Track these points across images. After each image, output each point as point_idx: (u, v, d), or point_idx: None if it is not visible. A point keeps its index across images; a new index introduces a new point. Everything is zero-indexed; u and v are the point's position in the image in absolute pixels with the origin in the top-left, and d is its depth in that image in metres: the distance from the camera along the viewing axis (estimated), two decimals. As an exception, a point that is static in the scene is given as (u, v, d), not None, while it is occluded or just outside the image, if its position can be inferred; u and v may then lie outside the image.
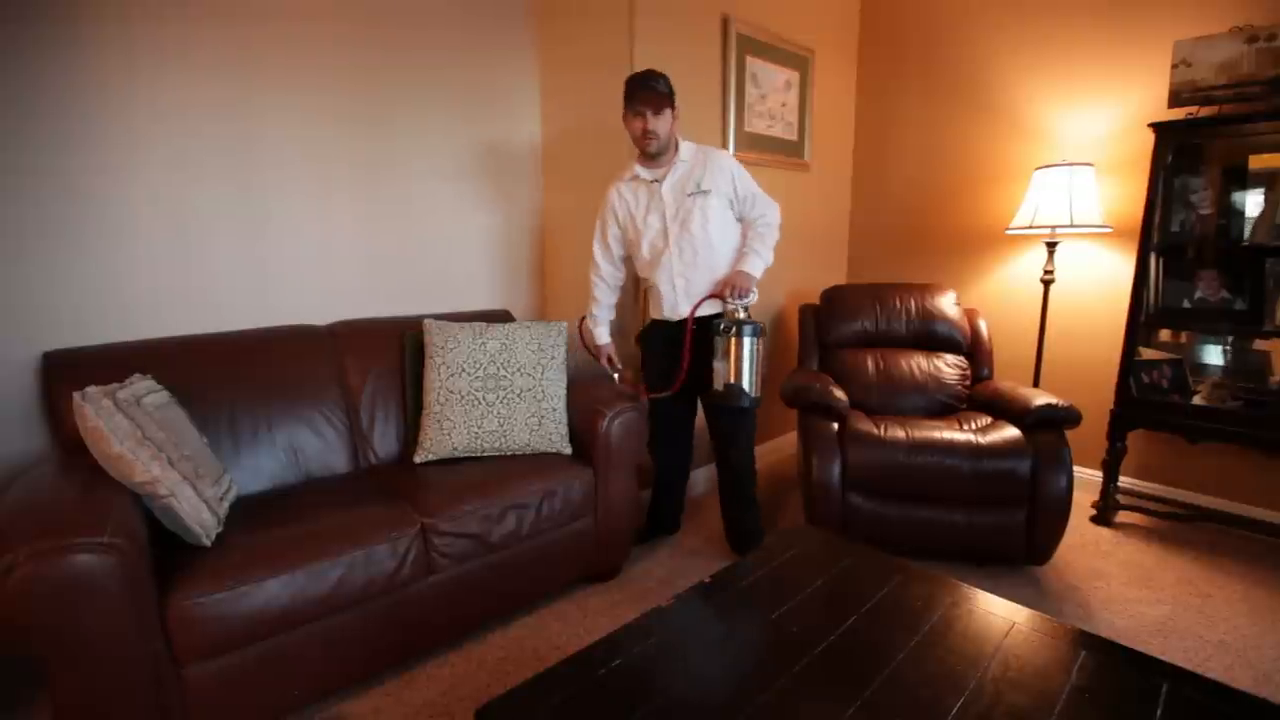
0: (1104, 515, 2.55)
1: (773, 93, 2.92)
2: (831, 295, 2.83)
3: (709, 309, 2.11)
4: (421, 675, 1.69)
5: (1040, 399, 2.18)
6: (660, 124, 2.00)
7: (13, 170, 1.67)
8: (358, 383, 2.10)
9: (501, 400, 2.01)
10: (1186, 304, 2.43)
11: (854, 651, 1.13)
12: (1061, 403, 2.14)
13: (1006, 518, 2.09)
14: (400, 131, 2.37)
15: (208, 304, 2.00)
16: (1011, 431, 2.15)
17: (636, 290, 2.49)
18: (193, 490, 1.41)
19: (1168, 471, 2.67)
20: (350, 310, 2.27)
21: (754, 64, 2.79)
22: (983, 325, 2.71)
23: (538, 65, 2.74)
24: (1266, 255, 2.24)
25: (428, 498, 1.74)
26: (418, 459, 1.99)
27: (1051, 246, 2.65)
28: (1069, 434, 2.11)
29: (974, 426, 2.22)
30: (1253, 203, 2.28)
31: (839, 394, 2.30)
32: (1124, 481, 2.66)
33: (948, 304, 2.72)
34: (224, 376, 1.86)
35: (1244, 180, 2.30)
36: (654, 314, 2.25)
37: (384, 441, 2.11)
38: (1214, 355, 2.47)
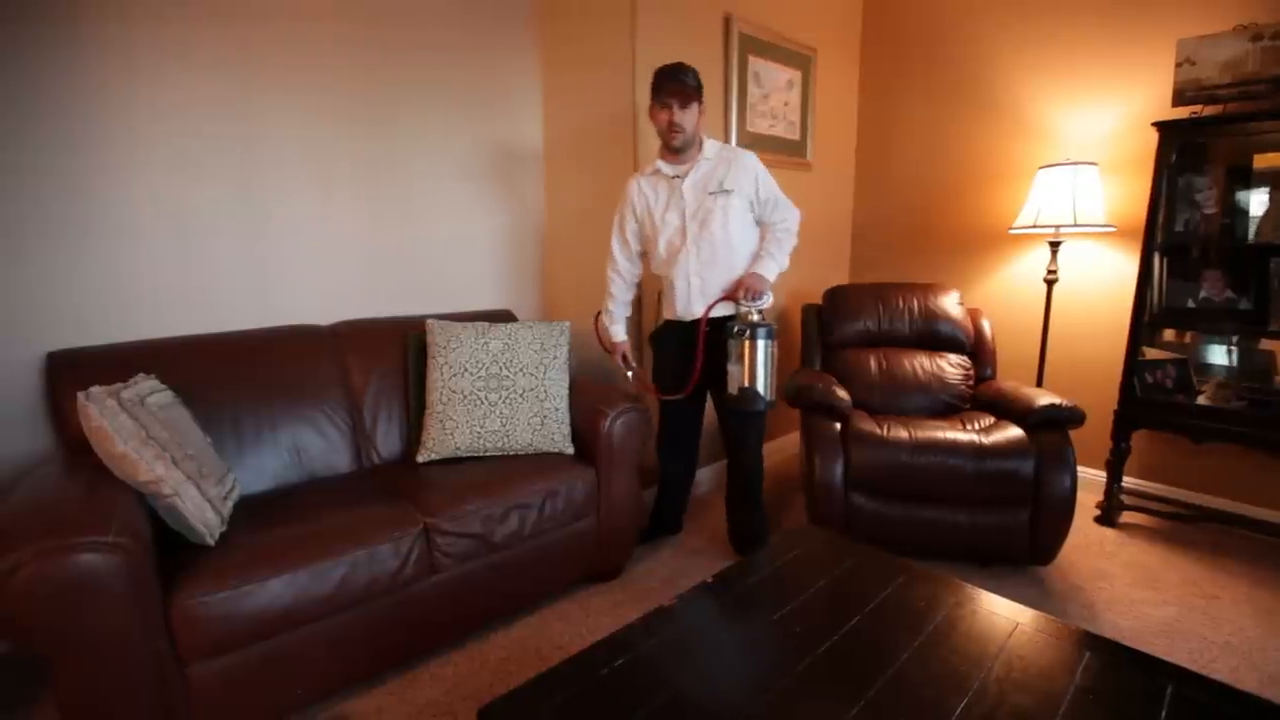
0: (1108, 515, 2.54)
1: (775, 92, 2.92)
2: (834, 295, 2.83)
3: (722, 310, 2.09)
4: (424, 674, 1.69)
5: (1044, 399, 2.18)
6: (686, 118, 1.97)
7: (14, 170, 1.68)
8: (360, 383, 2.11)
9: (504, 400, 2.01)
10: (1191, 303, 2.42)
11: (857, 652, 1.12)
12: (1065, 402, 2.14)
13: (1010, 518, 2.09)
14: (402, 131, 2.37)
15: (210, 304, 2.01)
16: (1015, 431, 2.14)
17: (650, 291, 2.48)
18: (196, 490, 1.42)
19: (1172, 472, 2.66)
20: (352, 310, 2.28)
21: (756, 63, 2.79)
22: (986, 325, 2.70)
23: (539, 65, 2.74)
24: (1271, 254, 2.23)
25: (430, 497, 1.75)
26: (420, 459, 1.99)
27: (1055, 246, 2.64)
28: (1073, 434, 2.10)
29: (977, 426, 2.22)
30: (1257, 202, 2.27)
31: (842, 394, 2.29)
32: (1128, 482, 2.66)
33: (951, 304, 2.71)
34: (227, 376, 1.87)
35: (1248, 179, 2.29)
36: (667, 314, 2.23)
37: (387, 441, 2.11)
38: (1218, 355, 2.46)
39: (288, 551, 1.46)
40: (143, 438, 1.35)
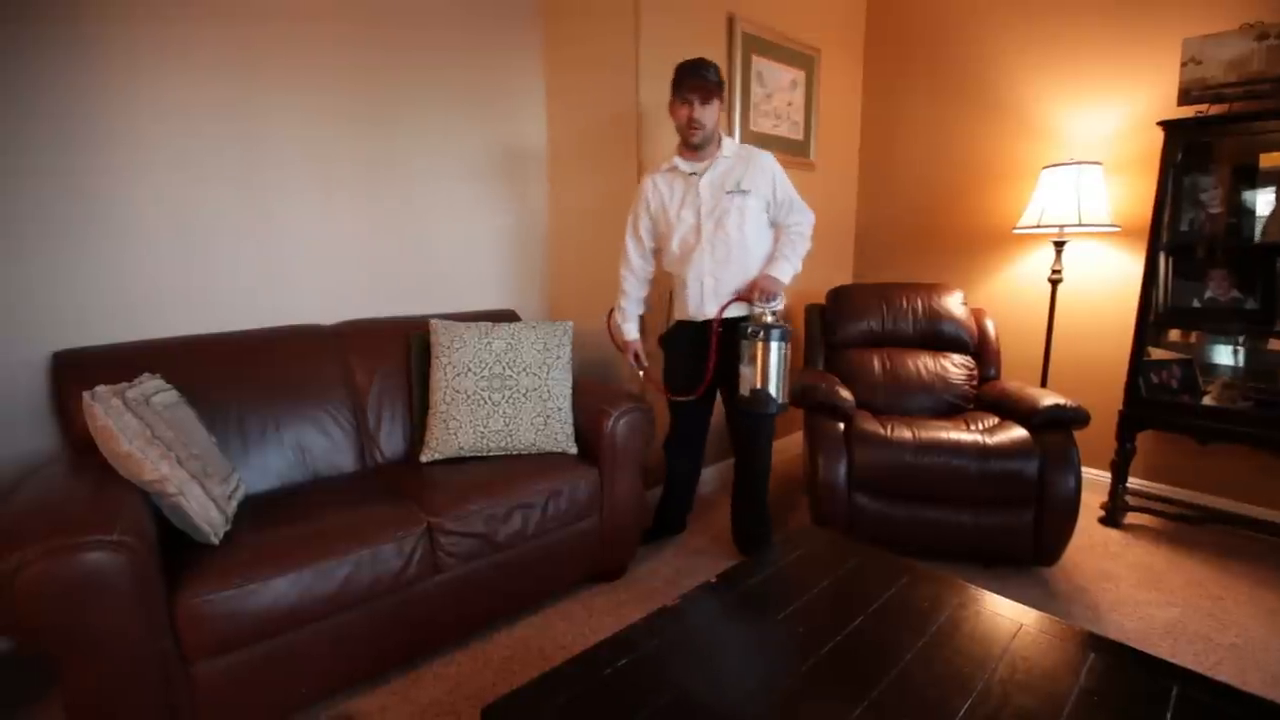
0: (1113, 516, 2.53)
1: (778, 92, 2.92)
2: (838, 295, 2.83)
3: (735, 312, 2.06)
4: (428, 674, 1.70)
5: (1048, 399, 2.17)
6: (707, 114, 1.95)
7: (18, 171, 1.68)
8: (364, 382, 2.11)
9: (507, 400, 2.01)
10: (1196, 303, 2.41)
11: (861, 652, 1.12)
12: (1069, 403, 2.13)
13: (1014, 519, 2.08)
14: (404, 131, 2.37)
15: (213, 304, 2.01)
16: (1019, 432, 2.14)
17: (659, 292, 2.45)
18: (201, 489, 1.42)
19: (1177, 472, 2.65)
20: (355, 310, 2.28)
21: (759, 63, 2.79)
22: (990, 325, 2.69)
23: (542, 65, 2.74)
24: (1278, 254, 2.22)
25: (434, 497, 1.75)
26: (424, 458, 2.00)
27: (1059, 246, 2.64)
28: (1077, 434, 2.10)
29: (981, 427, 2.21)
30: (1263, 201, 2.26)
31: (845, 394, 2.29)
32: (1133, 482, 2.65)
33: (954, 304, 2.70)
34: (231, 376, 1.87)
35: (1254, 179, 2.28)
36: (678, 314, 2.21)
37: (390, 441, 2.12)
38: (1224, 355, 2.45)
39: (292, 551, 1.46)
40: (148, 437, 1.36)
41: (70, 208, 1.76)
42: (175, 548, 1.40)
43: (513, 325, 2.13)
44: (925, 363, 2.60)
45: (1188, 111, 2.30)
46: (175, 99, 1.89)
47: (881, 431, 2.18)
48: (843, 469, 2.15)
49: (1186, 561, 2.26)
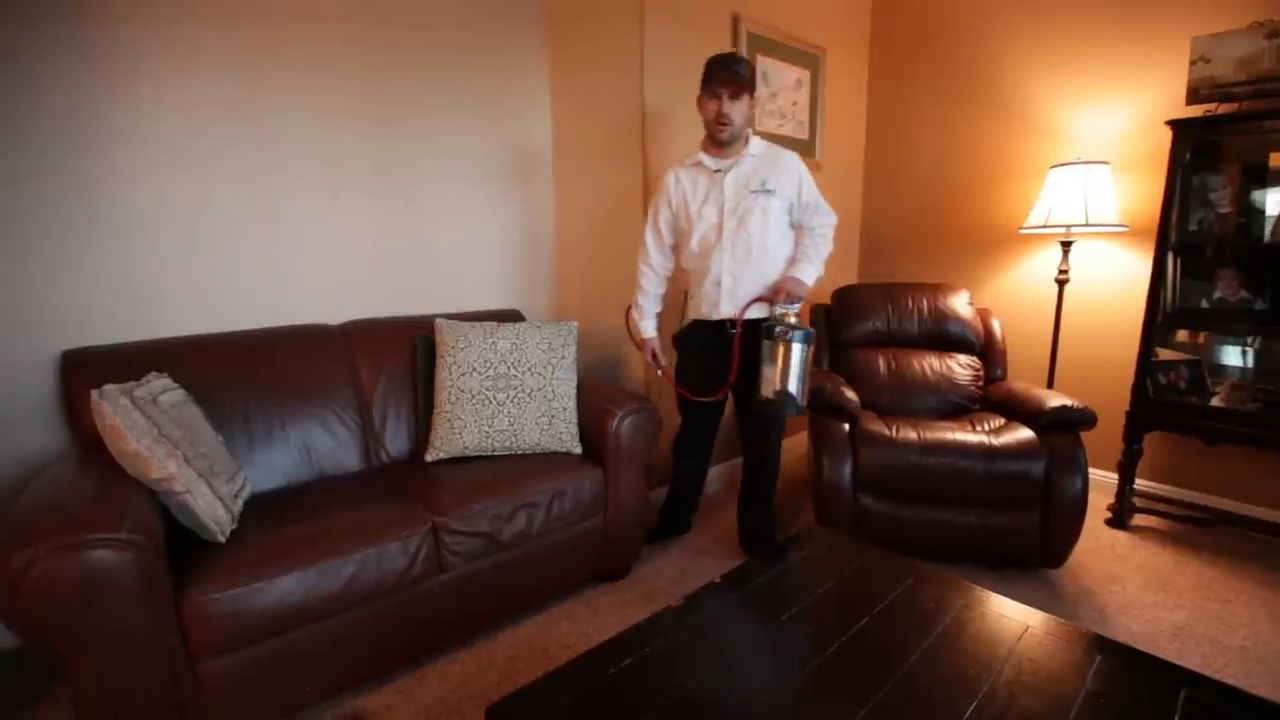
0: (1120, 518, 2.52)
1: (783, 91, 2.91)
2: (843, 295, 2.82)
3: (754, 313, 2.04)
4: (433, 672, 1.70)
5: (1055, 400, 2.16)
6: (736, 110, 1.92)
7: (24, 172, 1.69)
8: (370, 382, 2.12)
9: (512, 399, 2.01)
10: (1205, 304, 2.39)
11: (866, 653, 1.12)
12: (1076, 404, 2.12)
13: (1020, 520, 2.07)
14: (411, 131, 2.38)
15: (219, 304, 2.02)
16: (1025, 433, 2.13)
17: (675, 290, 2.39)
18: (208, 487, 1.43)
19: (1185, 474, 2.63)
20: (361, 310, 2.29)
21: (764, 62, 2.78)
22: (996, 325, 2.68)
23: (548, 65, 2.74)
24: (1287, 254, 2.20)
25: (439, 496, 1.75)
26: (429, 458, 2.00)
27: (1066, 246, 2.62)
28: (1084, 435, 2.09)
29: (987, 428, 2.20)
30: (1273, 201, 2.24)
31: (850, 394, 2.29)
32: (1140, 484, 2.63)
33: (960, 304, 2.69)
34: (238, 375, 1.88)
35: (1264, 178, 2.26)
36: (693, 313, 2.18)
37: (395, 440, 2.12)
38: (1233, 356, 2.43)
39: (298, 549, 1.47)
40: (155, 435, 1.37)
41: (74, 208, 1.77)
42: (182, 546, 1.41)
43: (517, 325, 2.13)
44: (931, 363, 2.59)
45: (1196, 110, 2.28)
46: (179, 99, 1.89)
47: (887, 432, 2.17)
48: (848, 470, 2.14)
49: (1194, 563, 2.25)
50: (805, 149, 3.09)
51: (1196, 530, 2.48)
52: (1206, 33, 2.23)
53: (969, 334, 2.64)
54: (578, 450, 2.07)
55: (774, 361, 1.90)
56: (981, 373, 2.59)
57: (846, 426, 2.23)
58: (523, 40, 2.65)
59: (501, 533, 1.77)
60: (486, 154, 2.61)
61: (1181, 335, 2.51)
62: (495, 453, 2.02)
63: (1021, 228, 2.74)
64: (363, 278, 2.33)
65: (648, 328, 2.23)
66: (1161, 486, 2.68)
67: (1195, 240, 2.39)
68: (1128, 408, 2.46)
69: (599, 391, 2.16)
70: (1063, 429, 2.10)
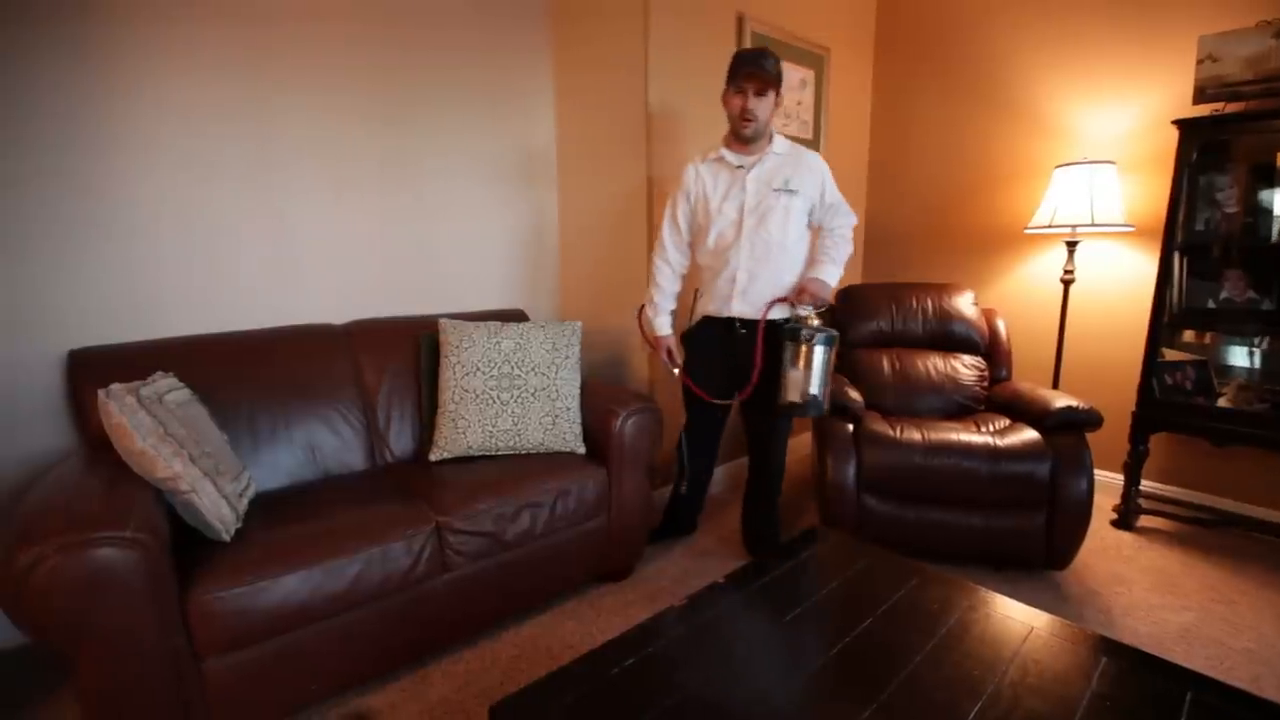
0: (1125, 519, 2.51)
1: (788, 91, 2.90)
2: (847, 295, 2.81)
3: (775, 314, 2.01)
4: (437, 672, 1.71)
5: (1060, 401, 2.15)
6: (761, 106, 1.89)
7: (29, 173, 1.69)
8: (374, 382, 2.12)
9: (516, 399, 2.01)
10: (1211, 304, 2.38)
11: (869, 654, 1.12)
12: (1082, 405, 2.11)
13: (1025, 521, 2.06)
14: (414, 131, 2.38)
15: (223, 303, 2.03)
16: (1030, 434, 2.12)
17: (687, 287, 2.35)
18: (213, 486, 1.43)
19: (1191, 475, 2.62)
20: (365, 310, 2.29)
21: (769, 63, 2.77)
22: (1001, 325, 2.67)
23: (553, 66, 2.75)
24: (1295, 254, 2.19)
25: (443, 496, 1.76)
26: (433, 457, 2.00)
27: (1072, 246, 2.61)
28: (1090, 436, 2.08)
29: (992, 428, 2.20)
30: (1281, 201, 2.24)
31: (854, 395, 2.28)
32: (1146, 485, 2.62)
33: (965, 304, 2.69)
34: (243, 375, 1.89)
35: (1271, 178, 2.25)
36: (703, 310, 2.14)
37: (400, 440, 2.13)
38: (1240, 356, 2.42)
39: (302, 548, 1.47)
40: (161, 435, 1.37)
41: (75, 208, 1.77)
42: (187, 545, 1.41)
43: (521, 325, 2.14)
44: (935, 363, 2.59)
45: (1203, 110, 2.27)
46: (181, 100, 1.90)
47: (891, 433, 2.17)
48: (852, 470, 2.14)
49: (1200, 565, 2.24)
50: (810, 149, 3.07)
51: (1203, 532, 2.46)
52: (1213, 32, 2.22)
53: (974, 334, 2.63)
54: (581, 450, 2.07)
55: (797, 364, 1.86)
56: (986, 373, 2.58)
57: (851, 427, 2.22)
58: (528, 40, 2.66)
59: (505, 532, 1.77)
60: (491, 154, 2.62)
61: (1188, 336, 2.49)
62: (499, 452, 2.02)
63: (1027, 228, 2.73)
64: (367, 277, 2.33)
65: (663, 325, 2.19)
66: (1167, 488, 2.67)
67: (1202, 240, 2.38)
68: (1134, 408, 2.45)
69: (603, 391, 2.16)
70: (1068, 430, 2.09)
